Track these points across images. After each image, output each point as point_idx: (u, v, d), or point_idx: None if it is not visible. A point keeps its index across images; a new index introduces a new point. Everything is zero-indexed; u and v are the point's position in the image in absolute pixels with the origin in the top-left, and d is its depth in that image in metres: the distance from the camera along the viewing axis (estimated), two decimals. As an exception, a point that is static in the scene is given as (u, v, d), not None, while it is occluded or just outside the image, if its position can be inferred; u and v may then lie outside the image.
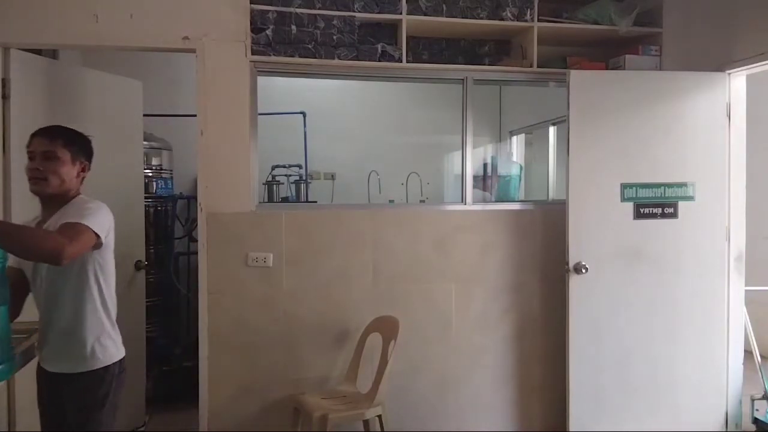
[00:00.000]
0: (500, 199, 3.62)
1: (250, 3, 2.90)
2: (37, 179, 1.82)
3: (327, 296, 3.04)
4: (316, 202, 4.32)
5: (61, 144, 1.86)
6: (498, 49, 3.42)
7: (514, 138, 4.68)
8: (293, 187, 4.37)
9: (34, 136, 1.87)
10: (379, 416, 2.76)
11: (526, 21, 3.19)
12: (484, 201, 3.52)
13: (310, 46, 2.96)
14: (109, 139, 3.27)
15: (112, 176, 3.26)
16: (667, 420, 3.09)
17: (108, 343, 1.88)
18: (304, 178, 4.40)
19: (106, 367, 1.86)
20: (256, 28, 2.91)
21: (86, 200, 1.90)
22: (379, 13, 3.06)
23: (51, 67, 3.05)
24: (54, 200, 1.86)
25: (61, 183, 1.85)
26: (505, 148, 4.72)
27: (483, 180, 3.68)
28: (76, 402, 1.82)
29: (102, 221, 1.81)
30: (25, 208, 2.78)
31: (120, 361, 1.91)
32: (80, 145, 1.93)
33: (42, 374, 1.90)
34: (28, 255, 1.70)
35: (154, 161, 4.16)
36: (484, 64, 3.34)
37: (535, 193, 4.12)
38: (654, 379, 3.08)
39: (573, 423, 3.02)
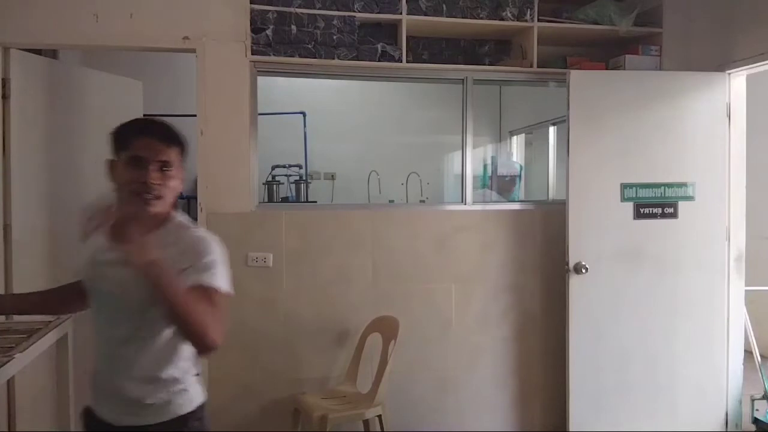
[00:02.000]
0: (507, 199, 3.62)
1: (250, 3, 2.90)
2: (152, 197, 1.39)
3: (327, 296, 3.04)
4: (316, 202, 4.32)
5: (177, 152, 1.46)
6: (498, 49, 3.42)
7: (514, 138, 4.68)
8: (293, 187, 4.37)
9: (141, 134, 1.42)
10: (379, 416, 2.76)
11: (526, 21, 3.19)
12: (484, 201, 3.52)
13: (310, 46, 2.96)
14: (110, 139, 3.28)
15: (112, 176, 3.27)
16: (667, 420, 3.09)
17: (192, 385, 1.50)
18: (304, 178, 4.40)
19: (192, 412, 1.49)
20: (256, 28, 2.91)
21: (189, 227, 1.50)
22: (379, 13, 3.06)
23: (51, 67, 3.05)
24: (148, 218, 1.42)
25: (173, 202, 1.48)
26: (505, 148, 4.73)
27: (491, 180, 3.68)
28: None
29: (226, 271, 1.44)
30: (25, 209, 2.79)
31: (203, 404, 1.54)
32: (186, 152, 1.53)
33: (99, 428, 1.46)
34: (179, 325, 1.31)
35: (154, 161, 4.15)
36: (484, 64, 3.34)
37: (535, 193, 4.12)
38: (654, 379, 3.08)
39: (573, 423, 3.02)
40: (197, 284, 1.35)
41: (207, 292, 1.36)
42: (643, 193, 3.05)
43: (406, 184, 4.66)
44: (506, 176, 3.83)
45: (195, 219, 3.91)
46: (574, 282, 3.00)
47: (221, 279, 1.40)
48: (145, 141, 1.41)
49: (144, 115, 3.57)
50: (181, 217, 1.52)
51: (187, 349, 1.44)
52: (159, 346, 1.41)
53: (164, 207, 1.45)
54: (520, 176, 3.94)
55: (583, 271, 2.98)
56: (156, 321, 1.37)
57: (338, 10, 3.01)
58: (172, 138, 1.45)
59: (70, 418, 2.21)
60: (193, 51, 2.86)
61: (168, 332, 1.40)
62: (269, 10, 2.93)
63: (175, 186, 1.45)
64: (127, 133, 1.44)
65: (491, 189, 3.75)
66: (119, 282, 1.38)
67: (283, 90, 4.18)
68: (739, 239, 3.16)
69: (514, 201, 3.63)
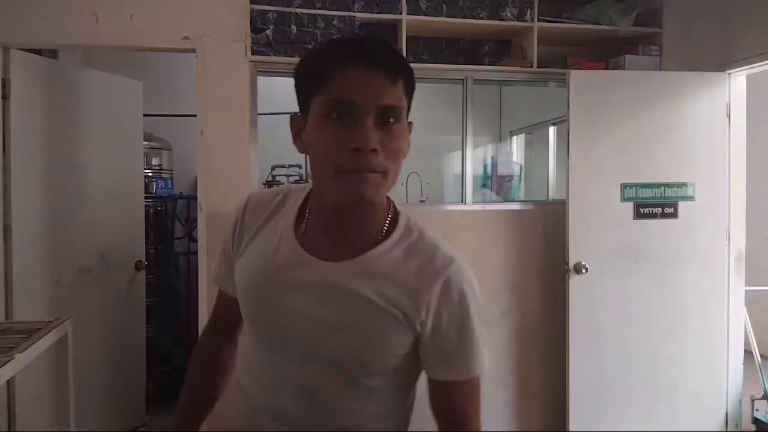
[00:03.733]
0: (506, 199, 3.62)
1: (250, 3, 2.90)
2: (369, 173, 0.83)
3: (327, 296, 3.03)
4: (316, 202, 4.31)
5: (405, 92, 0.88)
6: (498, 49, 3.42)
7: (514, 138, 4.68)
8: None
9: (347, 61, 0.84)
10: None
11: (526, 21, 3.19)
12: (484, 201, 3.52)
13: (310, 46, 2.96)
14: (109, 139, 3.29)
15: (112, 176, 3.27)
16: (667, 420, 3.09)
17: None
18: (304, 178, 4.40)
19: None
20: (256, 28, 2.91)
21: (426, 237, 0.99)
22: (379, 13, 3.06)
23: (51, 67, 3.05)
24: (365, 217, 0.93)
25: (396, 178, 0.90)
26: (505, 148, 4.72)
27: (491, 180, 3.67)
28: None
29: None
30: (25, 209, 2.79)
31: None
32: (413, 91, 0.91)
33: None
34: None
35: (154, 161, 4.16)
36: (484, 64, 3.34)
37: (535, 193, 4.12)
38: (654, 379, 3.08)
39: (573, 423, 3.02)
40: (463, 378, 0.93)
41: (473, 386, 0.95)
42: (643, 193, 3.05)
43: (406, 184, 4.65)
44: (506, 176, 3.83)
45: (195, 219, 3.95)
46: (574, 282, 3.00)
47: (481, 351, 0.94)
48: (356, 72, 0.83)
49: (144, 115, 3.57)
50: (411, 222, 0.99)
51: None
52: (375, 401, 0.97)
53: (389, 190, 0.91)
54: (520, 176, 3.94)
55: (583, 271, 2.98)
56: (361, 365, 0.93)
57: (338, 10, 3.01)
58: (398, 65, 0.87)
59: (70, 418, 2.21)
60: (193, 51, 2.86)
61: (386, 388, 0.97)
62: (269, 10, 2.93)
63: (403, 154, 0.89)
64: (323, 59, 0.87)
65: (491, 189, 3.74)
66: (315, 328, 0.91)
67: (283, 90, 4.16)
68: (739, 239, 3.16)
69: (513, 201, 3.62)
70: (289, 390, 0.96)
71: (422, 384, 0.98)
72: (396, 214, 0.97)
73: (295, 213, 0.98)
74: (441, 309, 0.91)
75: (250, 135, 2.93)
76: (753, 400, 3.18)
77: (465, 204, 3.23)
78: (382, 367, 0.93)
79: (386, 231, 0.95)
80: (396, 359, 0.93)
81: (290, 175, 4.37)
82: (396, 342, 0.91)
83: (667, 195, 3.07)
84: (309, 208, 0.97)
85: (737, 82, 3.10)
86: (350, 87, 0.83)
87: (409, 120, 0.92)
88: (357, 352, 0.91)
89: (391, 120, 0.85)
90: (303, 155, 4.50)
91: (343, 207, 0.89)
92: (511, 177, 3.82)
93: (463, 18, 3.13)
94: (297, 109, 0.95)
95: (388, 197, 0.96)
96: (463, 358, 0.93)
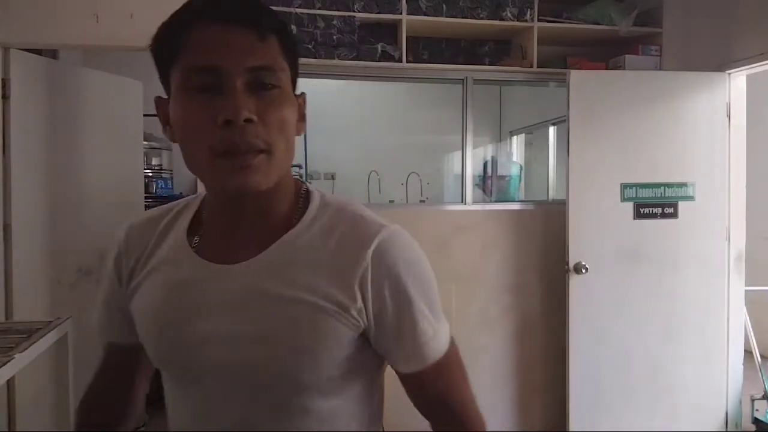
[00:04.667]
0: (500, 199, 3.62)
1: (250, 3, 2.90)
2: (248, 154, 0.70)
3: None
4: (316, 202, 4.31)
5: (279, 48, 0.74)
6: (498, 49, 3.42)
7: (514, 138, 4.68)
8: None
9: (201, 19, 0.71)
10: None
11: (526, 21, 3.19)
12: (484, 201, 3.52)
13: (310, 47, 2.96)
14: (109, 139, 3.28)
15: (112, 176, 3.27)
16: (667, 420, 3.09)
17: None
18: (304, 178, 4.40)
19: None
20: (256, 28, 2.91)
21: (347, 207, 0.82)
22: (379, 13, 3.06)
23: (51, 67, 3.05)
24: (260, 206, 0.78)
25: (288, 157, 0.76)
26: (505, 148, 4.72)
27: (489, 180, 3.67)
28: None
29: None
30: (25, 209, 2.79)
31: None
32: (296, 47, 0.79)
33: None
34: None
35: (154, 161, 4.16)
36: (484, 64, 3.34)
37: (535, 193, 4.12)
38: (654, 379, 3.08)
39: (573, 423, 3.02)
40: (428, 364, 0.79)
41: (447, 366, 0.81)
42: (643, 193, 3.05)
43: (406, 184, 4.65)
44: (505, 176, 3.83)
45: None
46: (574, 282, 3.00)
47: (439, 314, 0.84)
48: (211, 30, 0.70)
49: (144, 115, 3.57)
50: (326, 196, 0.83)
51: None
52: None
53: (281, 173, 0.75)
54: (520, 176, 3.94)
55: (583, 271, 2.98)
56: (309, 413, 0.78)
57: (338, 10, 3.01)
58: (266, 18, 0.73)
59: (70, 418, 2.21)
60: (193, 51, 2.85)
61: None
62: (269, 10, 2.93)
63: (291, 127, 0.74)
64: (172, 22, 0.73)
65: (482, 189, 3.74)
66: (231, 349, 0.76)
67: (283, 90, 4.18)
68: (739, 239, 3.16)
69: (513, 201, 3.62)
70: (218, 426, 0.79)
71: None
72: (308, 194, 0.82)
73: (188, 221, 0.84)
74: (378, 287, 0.75)
75: (250, 135, 2.93)
76: (753, 400, 3.18)
77: (465, 204, 3.23)
78: (323, 377, 0.76)
79: (298, 215, 0.79)
80: (339, 363, 0.76)
81: (290, 175, 4.38)
82: (333, 342, 0.75)
83: (667, 195, 3.07)
84: (203, 210, 0.83)
85: (737, 82, 3.10)
86: (207, 49, 0.69)
87: (300, 92, 0.79)
88: (287, 365, 0.74)
89: (269, 84, 0.71)
90: (303, 155, 4.45)
91: (234, 197, 0.75)
92: (507, 177, 3.82)
93: (463, 18, 3.13)
94: (155, 109, 0.80)
95: (294, 178, 0.82)
96: (419, 341, 0.78)
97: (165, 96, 0.76)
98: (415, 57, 3.23)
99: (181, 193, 4.37)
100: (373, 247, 0.75)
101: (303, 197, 0.81)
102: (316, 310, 0.74)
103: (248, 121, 0.68)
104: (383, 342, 0.78)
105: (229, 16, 0.70)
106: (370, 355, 0.80)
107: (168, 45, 0.72)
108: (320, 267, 0.75)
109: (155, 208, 0.92)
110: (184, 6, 0.73)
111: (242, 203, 0.76)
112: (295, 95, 0.77)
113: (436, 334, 0.80)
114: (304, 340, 0.74)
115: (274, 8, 0.78)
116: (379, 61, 3.06)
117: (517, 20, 3.18)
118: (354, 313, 0.74)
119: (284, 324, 0.74)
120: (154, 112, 0.80)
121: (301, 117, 0.78)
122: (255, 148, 0.70)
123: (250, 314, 0.75)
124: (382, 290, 0.75)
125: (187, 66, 0.70)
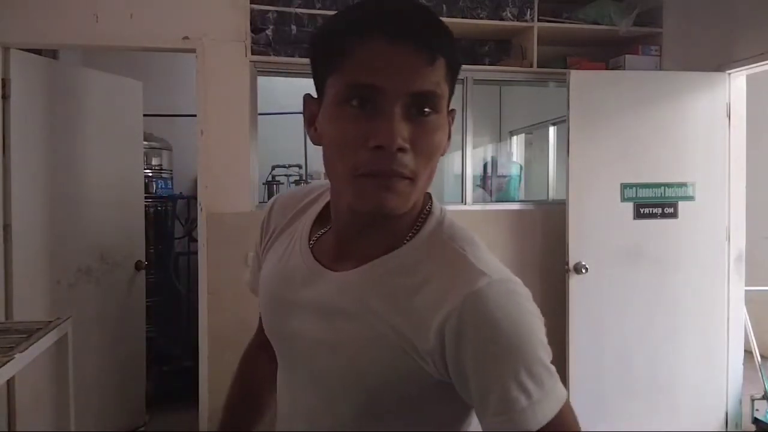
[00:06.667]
0: (500, 199, 3.62)
1: (250, 3, 2.90)
2: (393, 178, 0.68)
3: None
4: (316, 202, 4.30)
5: (446, 72, 0.71)
6: (498, 49, 3.42)
7: (514, 138, 4.68)
8: (293, 187, 4.36)
9: (372, 31, 0.66)
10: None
11: (526, 21, 3.19)
12: (484, 201, 3.52)
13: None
14: (109, 139, 3.29)
15: (112, 176, 3.27)
16: (667, 420, 3.09)
17: None
18: (304, 178, 4.40)
19: None
20: (256, 28, 2.91)
21: (456, 246, 0.80)
22: (379, 13, 3.05)
23: (51, 67, 3.05)
24: (385, 219, 0.74)
25: (429, 182, 0.76)
26: (505, 148, 4.72)
27: (489, 180, 3.67)
28: None
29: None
30: (25, 209, 2.79)
31: None
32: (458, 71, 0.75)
33: None
34: None
35: (154, 161, 4.16)
36: (484, 64, 3.34)
37: (535, 193, 4.12)
38: (654, 379, 3.08)
39: (573, 423, 3.01)
40: (534, 423, 0.65)
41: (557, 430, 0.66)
42: (643, 193, 3.05)
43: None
44: (505, 176, 3.83)
45: (195, 219, 3.95)
46: (574, 282, 3.00)
47: (549, 387, 0.66)
48: (378, 47, 0.66)
49: (144, 115, 3.57)
50: (438, 215, 0.80)
51: None
52: None
53: (420, 196, 0.75)
54: (520, 176, 3.94)
55: (583, 271, 2.98)
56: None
57: (338, 11, 3.00)
58: (438, 38, 0.72)
59: (70, 418, 2.21)
60: (193, 51, 2.86)
61: None
62: (269, 10, 2.93)
63: (440, 152, 0.74)
64: (336, 28, 0.71)
65: (483, 188, 3.74)
66: (313, 351, 0.77)
67: (283, 90, 4.18)
68: (739, 239, 3.16)
69: (513, 201, 3.62)
70: (304, 418, 0.80)
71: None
72: (428, 215, 0.77)
73: (317, 213, 0.84)
74: (457, 343, 0.66)
75: (250, 135, 2.93)
76: (753, 400, 3.18)
77: (465, 204, 3.23)
78: (400, 398, 0.72)
79: (411, 236, 0.75)
80: (417, 392, 0.71)
81: (290, 175, 4.37)
82: (405, 371, 0.69)
83: (667, 195, 3.07)
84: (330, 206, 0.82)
85: (737, 82, 3.10)
86: (371, 67, 0.65)
87: (451, 107, 0.73)
88: (363, 378, 0.72)
89: (426, 110, 0.67)
90: (303, 155, 4.46)
91: (361, 214, 0.72)
92: (512, 177, 3.82)
93: (463, 18, 3.13)
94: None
95: (426, 193, 0.78)
96: (508, 408, 0.64)
97: (314, 96, 0.74)
98: (415, 57, 3.23)
99: (181, 193, 4.37)
100: (461, 297, 0.66)
101: (423, 217, 0.77)
102: (388, 336, 0.70)
103: (400, 149, 0.65)
104: (468, 399, 0.69)
105: (400, 33, 0.66)
106: (450, 398, 0.71)
107: (328, 52, 0.69)
108: (402, 299, 0.70)
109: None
110: (353, 11, 0.70)
111: (370, 219, 0.74)
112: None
113: (535, 404, 0.65)
114: (375, 359, 0.71)
115: (442, 19, 0.76)
116: (379, 61, 3.06)
117: (517, 20, 3.18)
118: (427, 358, 0.68)
119: (359, 341, 0.72)
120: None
121: (449, 136, 0.75)
122: (400, 175, 0.67)
123: (331, 322, 0.74)
124: (462, 349, 0.66)
125: (346, 81, 0.67)
